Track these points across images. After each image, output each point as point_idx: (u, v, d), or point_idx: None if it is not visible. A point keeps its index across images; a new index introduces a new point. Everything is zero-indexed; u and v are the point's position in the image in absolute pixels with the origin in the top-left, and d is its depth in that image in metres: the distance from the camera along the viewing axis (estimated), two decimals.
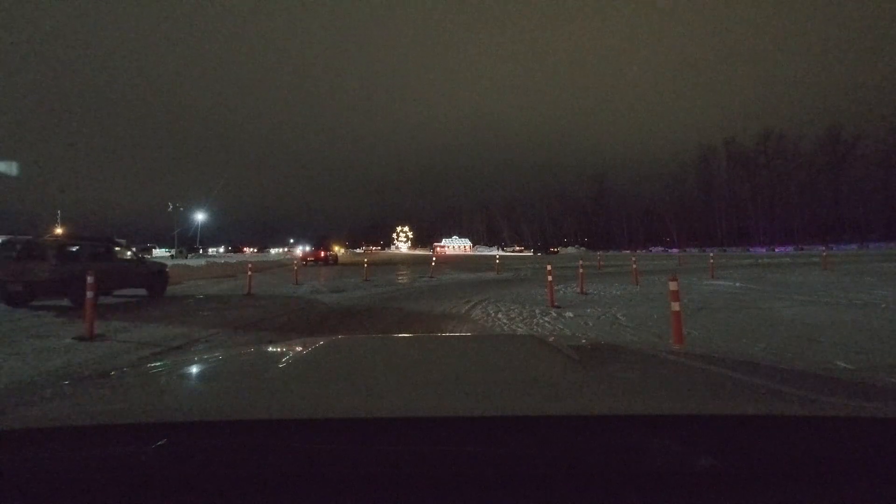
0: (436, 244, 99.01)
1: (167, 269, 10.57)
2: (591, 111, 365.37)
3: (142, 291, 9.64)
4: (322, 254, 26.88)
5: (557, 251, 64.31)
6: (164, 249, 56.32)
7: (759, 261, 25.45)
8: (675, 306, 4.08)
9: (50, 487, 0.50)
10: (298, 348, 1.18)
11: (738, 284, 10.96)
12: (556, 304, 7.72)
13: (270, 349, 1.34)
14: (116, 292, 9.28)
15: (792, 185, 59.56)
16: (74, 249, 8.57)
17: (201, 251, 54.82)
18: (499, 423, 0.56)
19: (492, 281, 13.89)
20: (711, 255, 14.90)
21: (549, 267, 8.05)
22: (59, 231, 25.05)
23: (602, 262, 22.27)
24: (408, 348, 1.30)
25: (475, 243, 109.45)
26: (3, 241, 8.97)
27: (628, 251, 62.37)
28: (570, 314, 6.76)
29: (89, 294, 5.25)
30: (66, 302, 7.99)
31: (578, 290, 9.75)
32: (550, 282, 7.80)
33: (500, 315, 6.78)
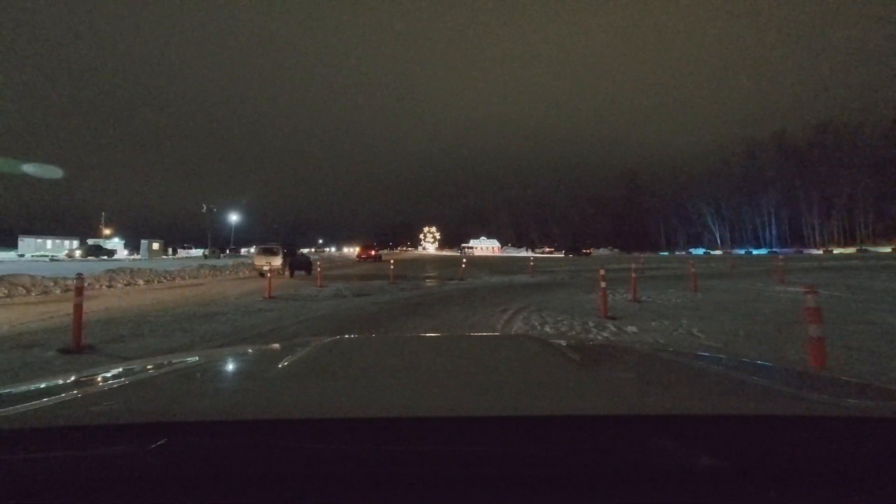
0: (464, 245, 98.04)
1: (311, 259, 19.33)
2: (624, 107, 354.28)
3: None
4: (373, 253, 38.65)
5: (590, 253, 61.78)
6: (199, 250, 57.88)
7: (823, 263, 22.95)
8: (815, 331, 2.96)
9: (50, 487, 0.50)
10: (298, 348, 1.13)
11: (820, 292, 9.39)
12: (609, 314, 6.59)
13: (270, 349, 1.32)
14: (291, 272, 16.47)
15: (852, 181, 54.42)
16: (286, 250, 17.01)
17: (230, 251, 56.11)
18: (499, 423, 0.55)
19: (527, 285, 12.78)
20: (781, 257, 13.14)
21: (601, 272, 6.90)
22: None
23: (644, 265, 20.53)
24: (408, 348, 1.28)
25: (503, 244, 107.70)
26: (259, 248, 17.85)
27: (666, 253, 59.10)
28: (634, 328, 5.62)
29: (79, 300, 4.62)
30: (287, 274, 16.04)
31: (630, 297, 8.54)
32: (604, 288, 6.67)
33: (546, 328, 5.74)
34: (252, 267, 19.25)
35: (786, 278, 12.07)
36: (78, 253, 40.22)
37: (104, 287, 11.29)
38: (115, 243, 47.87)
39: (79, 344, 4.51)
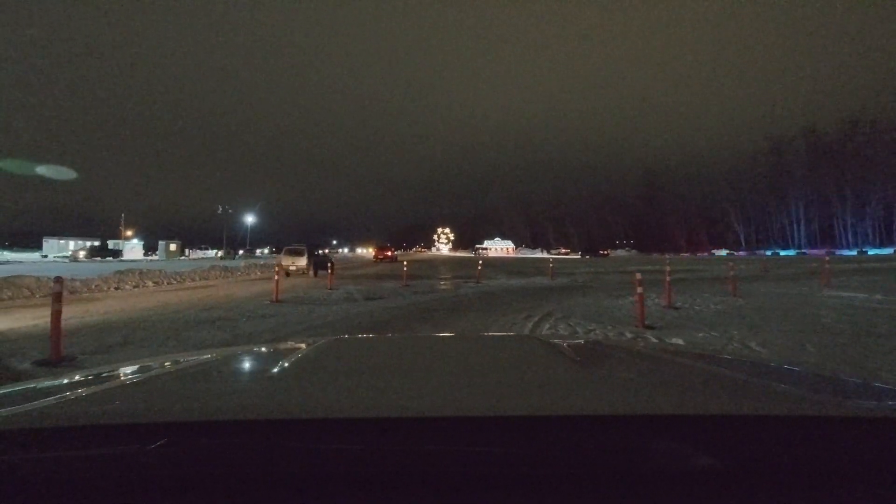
0: (478, 246, 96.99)
1: (332, 259, 19.91)
2: (643, 104, 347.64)
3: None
4: (388, 253, 40.08)
5: (607, 254, 60.21)
6: (214, 251, 58.50)
7: (863, 265, 21.49)
8: None
9: (50, 487, 0.50)
10: (298, 348, 1.15)
11: (878, 297, 8.45)
12: (646, 323, 5.88)
13: (270, 349, 1.31)
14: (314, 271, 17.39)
15: (888, 178, 51.33)
16: (311, 250, 17.82)
17: (245, 252, 56.13)
18: (499, 423, 0.55)
19: (547, 288, 12.07)
20: (827, 258, 12.10)
21: (637, 275, 6.17)
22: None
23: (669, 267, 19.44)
24: (408, 348, 1.27)
25: (518, 245, 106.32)
26: (285, 249, 18.29)
27: (687, 254, 57.09)
28: (679, 341, 4.91)
29: (57, 307, 4.17)
30: (311, 273, 16.93)
31: (664, 302, 7.78)
32: (641, 294, 5.95)
33: (578, 339, 5.07)
34: (262, 268, 19.10)
35: (832, 281, 11.07)
36: (82, 254, 39.08)
37: (112, 289, 11.03)
38: (135, 244, 48.27)
39: (58, 355, 4.06)
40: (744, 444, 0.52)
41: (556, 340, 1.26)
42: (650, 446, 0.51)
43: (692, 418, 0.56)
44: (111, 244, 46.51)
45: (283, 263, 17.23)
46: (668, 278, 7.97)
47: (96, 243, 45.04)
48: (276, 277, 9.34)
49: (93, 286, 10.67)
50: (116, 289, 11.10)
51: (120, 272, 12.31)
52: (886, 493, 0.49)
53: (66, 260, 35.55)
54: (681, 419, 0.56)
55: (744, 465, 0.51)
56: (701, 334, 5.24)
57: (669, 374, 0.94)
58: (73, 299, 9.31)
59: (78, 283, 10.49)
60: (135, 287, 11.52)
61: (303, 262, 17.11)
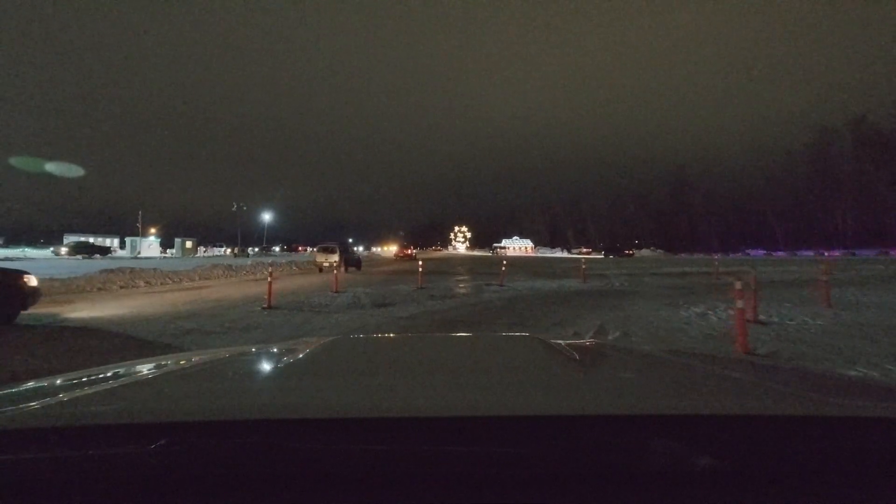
0: (496, 245, 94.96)
1: (360, 256, 24.23)
2: (671, 98, 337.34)
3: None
4: (408, 252, 42.01)
5: (632, 254, 57.47)
6: (224, 248, 58.87)
7: None
8: None
9: (50, 487, 0.50)
10: (298, 348, 1.14)
11: None
12: (750, 348, 4.27)
13: (270, 349, 1.31)
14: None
15: None
16: (342, 248, 19.42)
17: (260, 250, 55.58)
18: (499, 422, 0.55)
19: (582, 293, 10.43)
20: None
21: (737, 284, 4.52)
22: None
23: (720, 271, 17.34)
24: (408, 348, 1.28)
25: (536, 244, 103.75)
26: (320, 246, 19.91)
27: (719, 254, 53.88)
28: None
29: None
30: (342, 269, 16.25)
31: (748, 315, 6.07)
32: (741, 309, 4.32)
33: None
34: (270, 266, 18.23)
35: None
36: (63, 250, 36.36)
37: (95, 289, 9.95)
38: (152, 241, 48.16)
39: None
40: (744, 444, 0.52)
41: (556, 340, 1.23)
42: (650, 446, 0.50)
43: (692, 418, 0.56)
44: (129, 241, 46.65)
45: (318, 260, 19.36)
46: (753, 283, 6.25)
47: (115, 241, 45.16)
48: (269, 280, 8.01)
49: (73, 286, 9.60)
50: (100, 289, 10.00)
51: (108, 271, 11.28)
52: (886, 493, 0.49)
53: (79, 258, 35.12)
54: (681, 419, 0.56)
55: (744, 465, 0.50)
56: (853, 373, 3.59)
57: (669, 374, 0.94)
58: (44, 302, 8.21)
59: (57, 283, 9.44)
60: (122, 287, 10.43)
61: (335, 258, 18.54)
